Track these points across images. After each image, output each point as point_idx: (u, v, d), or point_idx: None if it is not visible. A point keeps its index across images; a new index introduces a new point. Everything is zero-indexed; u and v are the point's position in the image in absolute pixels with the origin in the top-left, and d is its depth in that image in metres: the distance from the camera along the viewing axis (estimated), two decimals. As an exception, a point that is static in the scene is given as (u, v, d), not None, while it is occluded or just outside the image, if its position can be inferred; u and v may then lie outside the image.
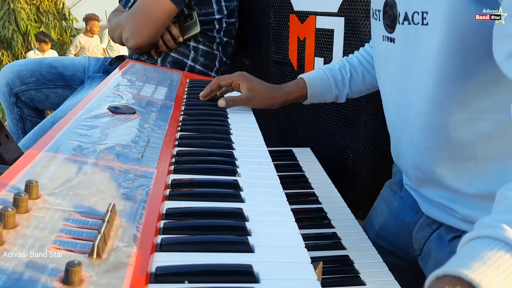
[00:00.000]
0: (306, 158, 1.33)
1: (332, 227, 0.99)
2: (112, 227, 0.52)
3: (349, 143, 1.38)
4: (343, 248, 0.92)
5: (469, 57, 0.69)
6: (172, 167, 0.73)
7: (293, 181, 1.18)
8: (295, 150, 1.37)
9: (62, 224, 0.51)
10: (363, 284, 0.81)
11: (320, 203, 1.08)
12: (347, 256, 0.89)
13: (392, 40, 0.81)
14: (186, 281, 0.48)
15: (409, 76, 0.79)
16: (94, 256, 0.47)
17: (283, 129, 1.61)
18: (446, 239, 0.85)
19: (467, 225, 0.80)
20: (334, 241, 0.94)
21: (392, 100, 0.87)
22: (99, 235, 0.48)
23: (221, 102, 1.06)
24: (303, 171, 1.24)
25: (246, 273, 0.50)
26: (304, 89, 1.09)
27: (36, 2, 5.95)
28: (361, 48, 1.15)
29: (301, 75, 1.11)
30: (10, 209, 0.49)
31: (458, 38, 0.68)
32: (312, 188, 1.15)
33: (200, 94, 1.11)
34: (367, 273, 0.84)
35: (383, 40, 0.85)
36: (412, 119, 0.80)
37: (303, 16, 1.42)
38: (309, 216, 1.03)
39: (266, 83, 1.11)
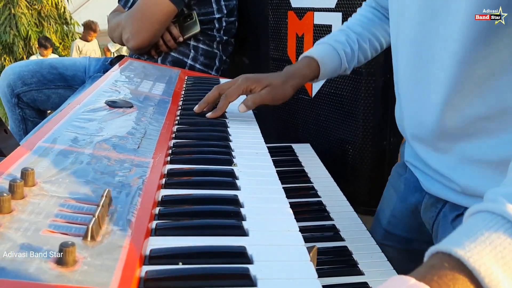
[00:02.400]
0: (306, 154, 1.33)
1: (331, 219, 0.99)
2: (107, 212, 0.53)
3: (348, 138, 1.38)
4: (342, 239, 0.92)
5: None
6: (169, 158, 0.74)
7: (292, 176, 1.17)
8: (295, 146, 1.37)
9: (57, 210, 0.52)
10: (361, 274, 0.81)
11: (319, 197, 1.08)
12: (346, 247, 0.88)
13: None
14: (180, 263, 0.48)
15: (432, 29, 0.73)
16: (89, 238, 0.47)
17: (282, 125, 1.61)
18: (449, 218, 0.82)
19: (468, 199, 0.77)
20: (333, 233, 0.94)
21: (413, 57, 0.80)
22: (94, 219, 0.48)
23: (241, 107, 0.95)
24: (303, 166, 1.24)
25: (240, 255, 0.50)
26: (317, 70, 1.03)
27: (38, 6, 5.98)
28: (354, 15, 1.11)
29: (309, 54, 1.04)
30: (5, 194, 0.49)
31: None
32: (311, 182, 1.15)
33: (195, 109, 0.98)
34: (365, 263, 0.84)
35: None
36: (435, 72, 0.74)
37: (301, 12, 1.43)
38: (308, 209, 1.03)
39: (277, 75, 1.02)
